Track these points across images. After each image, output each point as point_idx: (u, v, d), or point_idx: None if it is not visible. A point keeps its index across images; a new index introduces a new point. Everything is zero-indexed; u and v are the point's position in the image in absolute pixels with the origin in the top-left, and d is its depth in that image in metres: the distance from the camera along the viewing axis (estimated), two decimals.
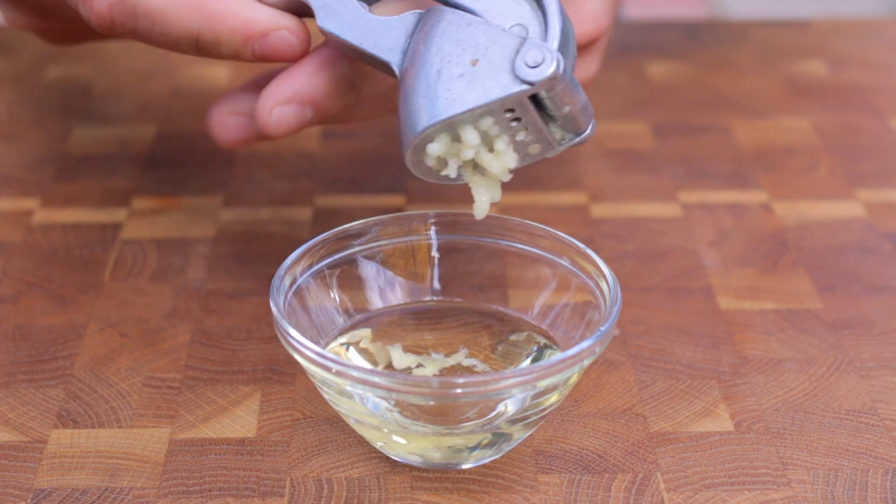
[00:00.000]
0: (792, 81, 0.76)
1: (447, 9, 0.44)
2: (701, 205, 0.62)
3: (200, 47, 0.46)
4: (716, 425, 0.48)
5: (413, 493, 0.44)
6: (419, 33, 0.44)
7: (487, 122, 0.43)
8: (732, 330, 0.53)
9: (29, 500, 0.44)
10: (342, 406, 0.44)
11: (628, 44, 0.80)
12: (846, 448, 0.47)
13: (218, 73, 0.76)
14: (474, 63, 0.42)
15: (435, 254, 0.50)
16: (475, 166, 0.45)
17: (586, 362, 0.43)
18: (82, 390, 0.50)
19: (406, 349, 0.48)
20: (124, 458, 0.46)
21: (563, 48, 0.43)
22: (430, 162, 0.44)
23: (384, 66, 0.45)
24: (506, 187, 0.63)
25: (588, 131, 0.44)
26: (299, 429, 0.48)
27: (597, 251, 0.58)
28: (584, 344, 0.42)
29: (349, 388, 0.42)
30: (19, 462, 0.46)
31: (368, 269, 0.50)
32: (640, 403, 0.49)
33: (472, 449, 0.44)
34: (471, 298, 0.51)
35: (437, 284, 0.51)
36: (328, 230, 0.50)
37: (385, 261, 0.50)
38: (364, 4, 0.46)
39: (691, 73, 0.76)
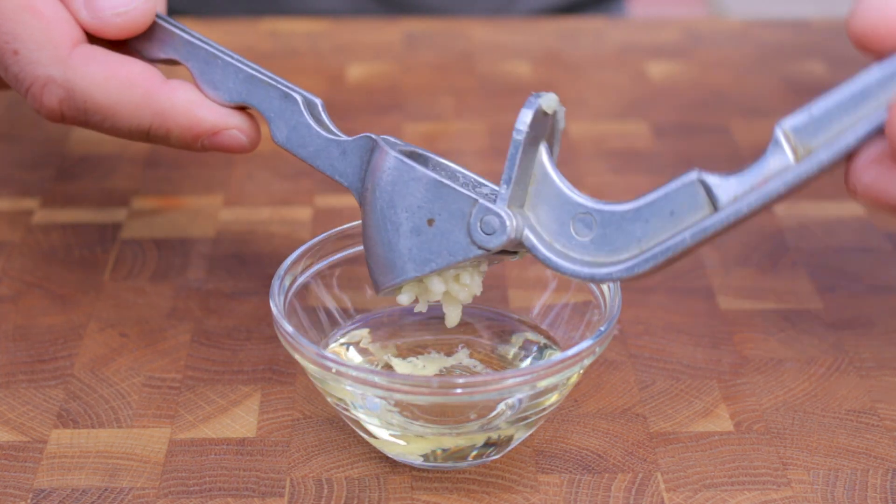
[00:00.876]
0: (792, 81, 0.76)
1: (390, 154, 0.44)
2: None
3: (150, 138, 0.47)
4: (716, 425, 0.48)
5: (413, 493, 0.45)
6: (372, 176, 0.44)
7: (451, 272, 0.45)
8: (732, 330, 0.53)
9: (29, 500, 0.44)
10: (341, 406, 0.44)
11: (628, 44, 0.80)
12: (846, 448, 0.47)
13: None
14: (430, 223, 0.43)
15: None
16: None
17: (586, 362, 0.43)
18: (82, 390, 0.50)
19: (404, 353, 0.48)
20: (124, 458, 0.46)
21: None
22: (401, 299, 0.45)
23: (341, 184, 0.46)
24: None
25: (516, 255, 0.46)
26: (299, 429, 0.48)
27: None
28: (584, 344, 0.42)
29: (349, 388, 0.42)
30: (19, 462, 0.46)
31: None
32: (640, 403, 0.49)
33: (473, 449, 0.44)
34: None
35: None
36: (328, 230, 0.50)
37: None
38: (316, 117, 0.47)
39: (691, 73, 0.76)
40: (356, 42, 0.79)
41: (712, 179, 0.42)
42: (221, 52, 0.47)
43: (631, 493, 0.45)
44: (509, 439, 0.45)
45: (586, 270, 0.42)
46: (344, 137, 0.46)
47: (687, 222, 0.42)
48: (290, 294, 0.47)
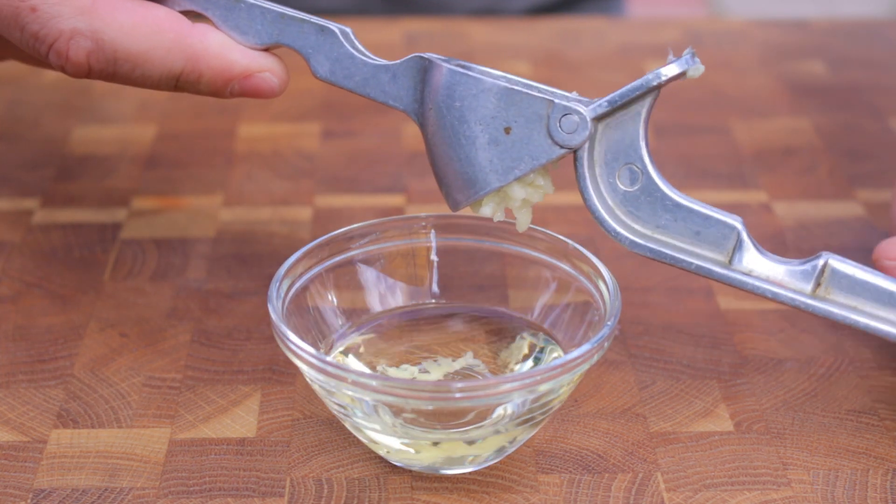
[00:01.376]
0: (792, 81, 0.76)
1: (452, 68, 0.44)
2: None
3: (180, 85, 0.46)
4: (716, 425, 0.48)
5: (413, 494, 0.44)
6: (434, 94, 0.44)
7: (532, 177, 0.45)
8: (732, 330, 0.53)
9: (29, 500, 0.44)
10: (340, 412, 0.44)
11: (628, 44, 0.80)
12: (846, 448, 0.47)
13: None
14: (507, 131, 0.43)
15: (434, 258, 0.50)
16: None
17: (586, 366, 0.43)
18: (82, 390, 0.50)
19: (403, 359, 0.48)
20: (124, 458, 0.46)
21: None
22: (481, 211, 0.45)
23: (395, 108, 0.46)
24: None
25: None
26: (299, 429, 0.48)
27: (597, 251, 0.58)
28: (585, 347, 0.42)
29: (347, 392, 0.42)
30: (19, 462, 0.46)
31: (367, 272, 0.50)
32: (640, 403, 0.49)
33: (472, 454, 0.44)
34: (470, 301, 0.51)
35: (435, 288, 0.50)
36: (328, 230, 0.50)
37: (384, 264, 0.50)
38: (354, 47, 0.46)
39: None
40: None
41: (747, 242, 0.44)
42: None
43: (631, 493, 0.45)
44: (513, 442, 0.45)
45: (601, 211, 0.44)
46: (391, 62, 0.45)
47: (701, 251, 0.44)
48: (289, 297, 0.47)
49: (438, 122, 0.44)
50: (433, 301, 0.51)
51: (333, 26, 0.45)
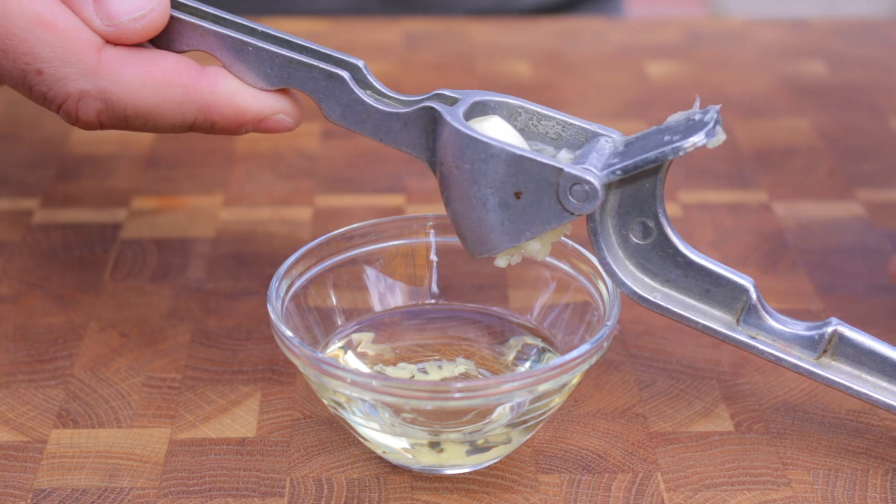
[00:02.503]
0: (792, 81, 0.76)
1: (458, 128, 0.43)
2: (701, 205, 0.62)
3: (195, 129, 0.46)
4: (716, 425, 0.48)
5: (413, 494, 0.44)
6: (444, 151, 0.43)
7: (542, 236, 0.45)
8: None
9: (29, 500, 0.44)
10: (339, 411, 0.44)
11: (628, 44, 0.80)
12: (846, 448, 0.47)
13: None
14: (518, 195, 0.43)
15: (434, 257, 0.50)
16: None
17: (586, 366, 0.43)
18: (82, 390, 0.50)
19: (402, 359, 0.48)
20: (124, 458, 0.46)
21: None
22: (501, 265, 0.45)
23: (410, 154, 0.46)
24: None
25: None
26: (299, 429, 0.48)
27: None
28: (584, 347, 0.42)
29: (346, 392, 0.42)
30: (19, 462, 0.46)
31: (367, 272, 0.50)
32: (640, 403, 0.49)
33: (472, 453, 0.44)
34: (470, 301, 0.51)
35: (435, 288, 0.50)
36: (328, 230, 0.50)
37: (383, 264, 0.50)
38: (367, 86, 0.45)
39: (691, 73, 0.76)
40: (356, 42, 0.79)
41: (757, 304, 0.45)
42: (250, 35, 0.45)
43: (631, 493, 0.45)
44: (509, 444, 0.45)
45: (610, 263, 0.44)
46: (402, 109, 0.44)
47: (710, 310, 0.45)
48: (288, 297, 0.47)
49: (450, 179, 0.44)
50: (433, 301, 0.51)
51: (342, 72, 0.44)
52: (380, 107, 0.44)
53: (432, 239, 0.50)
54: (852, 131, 0.70)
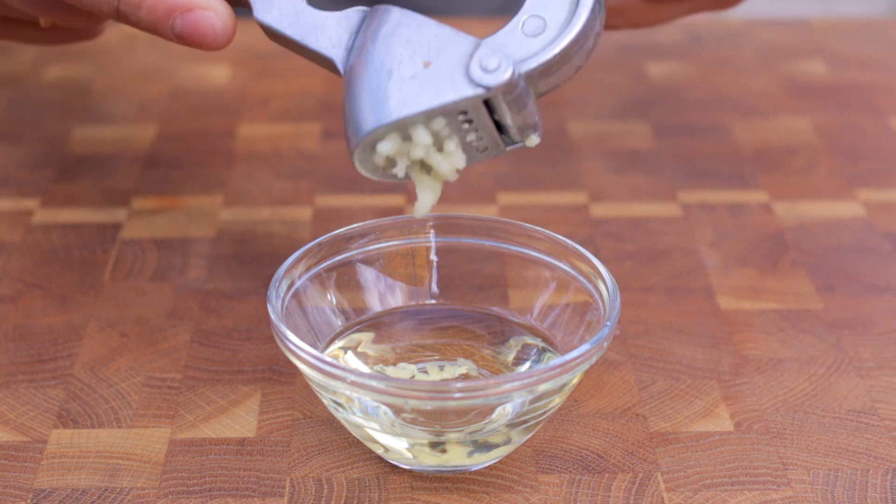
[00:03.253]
0: (792, 81, 0.76)
1: (394, 8, 0.43)
2: (701, 205, 0.62)
3: (121, 12, 0.44)
4: (716, 425, 0.48)
5: (413, 494, 0.44)
6: (366, 31, 0.43)
7: (440, 123, 0.43)
8: (732, 330, 0.53)
9: (29, 500, 0.44)
10: (339, 411, 0.44)
11: (628, 44, 0.80)
12: (846, 448, 0.47)
13: (218, 72, 0.76)
14: (426, 65, 0.42)
15: (434, 258, 0.50)
16: (422, 165, 0.45)
17: (586, 366, 0.43)
18: (82, 390, 0.50)
19: (402, 357, 0.48)
20: (124, 458, 0.46)
21: (550, 68, 0.42)
22: (380, 161, 0.44)
23: (326, 63, 0.44)
24: (506, 187, 0.63)
25: (535, 142, 0.44)
26: (299, 429, 0.48)
27: (596, 251, 0.58)
28: (584, 347, 0.42)
29: (346, 392, 0.42)
30: (19, 462, 0.46)
31: (367, 272, 0.50)
32: (640, 403, 0.49)
33: (471, 454, 0.44)
34: (469, 301, 0.51)
35: (435, 288, 0.50)
36: (328, 230, 0.50)
37: (383, 264, 0.50)
38: None
39: (691, 73, 0.76)
40: None
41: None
42: None
43: (631, 493, 0.45)
44: (509, 443, 0.45)
45: None
46: (335, 12, 0.44)
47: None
48: (288, 297, 0.47)
49: (362, 57, 0.42)
50: (433, 301, 0.51)
51: None
52: (316, 9, 0.44)
53: (432, 239, 0.50)
54: (852, 131, 0.70)
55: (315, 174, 0.65)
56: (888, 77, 0.77)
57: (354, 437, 0.46)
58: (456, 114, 0.42)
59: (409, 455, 0.44)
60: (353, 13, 0.44)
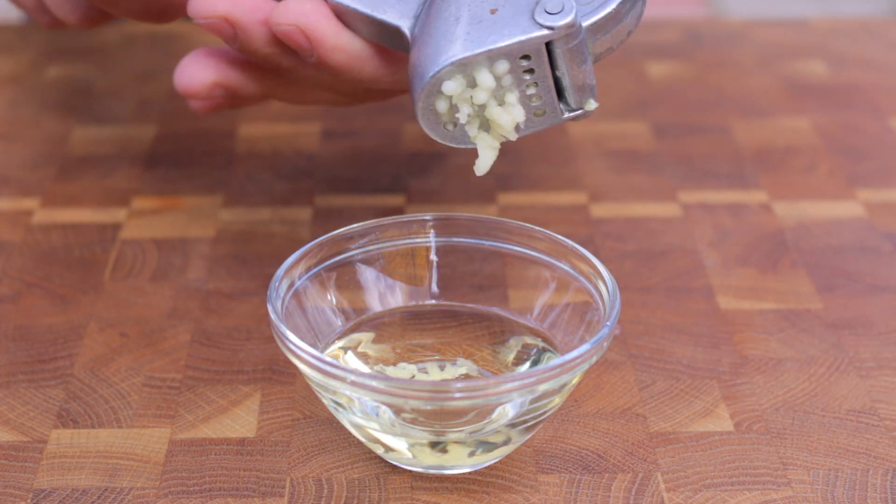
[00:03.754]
0: (792, 81, 0.76)
1: None
2: (701, 205, 0.62)
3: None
4: (716, 425, 0.48)
5: (413, 494, 0.45)
6: None
7: (503, 67, 0.43)
8: (732, 330, 0.53)
9: (29, 500, 0.44)
10: (339, 411, 0.44)
11: (628, 44, 0.80)
12: (846, 448, 0.47)
13: None
14: (493, 12, 0.42)
15: (434, 258, 0.50)
16: (481, 123, 0.45)
17: (585, 366, 0.43)
18: (82, 390, 0.50)
19: (402, 357, 0.48)
20: (124, 458, 0.46)
21: (604, 25, 0.43)
22: (443, 107, 0.44)
23: (393, 36, 0.45)
24: (506, 187, 0.63)
25: (583, 111, 0.45)
26: (299, 429, 0.48)
27: (597, 251, 0.58)
28: (584, 348, 0.42)
29: (346, 392, 0.42)
30: (19, 462, 0.46)
31: (367, 272, 0.50)
32: (640, 403, 0.49)
33: (471, 454, 0.44)
34: (469, 301, 0.51)
35: (435, 287, 0.50)
36: (328, 230, 0.50)
37: (383, 264, 0.50)
38: None
39: (691, 73, 0.76)
40: None
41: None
42: None
43: (631, 493, 0.45)
44: (508, 443, 0.45)
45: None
46: None
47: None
48: (288, 297, 0.47)
49: (432, 11, 0.43)
50: (433, 301, 0.51)
51: None
52: None
53: (432, 239, 0.50)
54: (852, 131, 0.70)
55: (315, 174, 0.65)
56: (888, 77, 0.77)
57: (354, 437, 0.46)
58: (518, 57, 0.43)
59: (410, 455, 0.44)
60: None
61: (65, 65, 0.77)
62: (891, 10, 2.26)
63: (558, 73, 0.44)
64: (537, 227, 0.49)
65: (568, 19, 0.42)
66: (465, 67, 0.43)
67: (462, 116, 0.44)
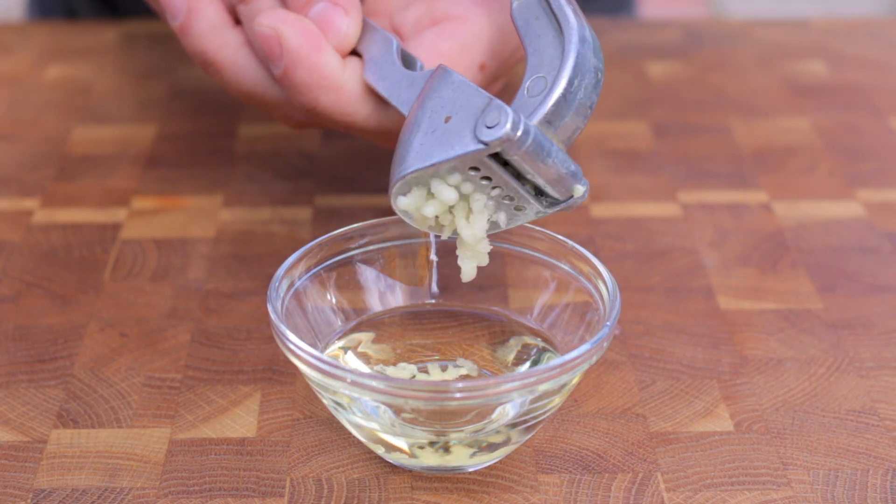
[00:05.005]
0: (792, 81, 0.76)
1: (447, 69, 0.44)
2: (701, 205, 0.62)
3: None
4: (716, 425, 0.48)
5: (413, 494, 0.44)
6: (431, 89, 0.45)
7: (455, 179, 0.43)
8: (732, 330, 0.53)
9: (29, 500, 0.44)
10: (339, 411, 0.44)
11: (628, 44, 0.80)
12: (846, 448, 0.47)
13: None
14: (447, 120, 0.43)
15: (434, 257, 0.50)
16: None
17: (585, 366, 0.43)
18: (82, 390, 0.50)
19: (402, 357, 0.48)
20: (124, 458, 0.46)
21: (557, 111, 0.42)
22: (401, 213, 0.45)
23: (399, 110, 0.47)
24: None
25: (572, 198, 0.44)
26: (299, 429, 0.48)
27: (597, 251, 0.58)
28: (584, 348, 0.42)
29: (346, 392, 0.42)
30: (19, 462, 0.46)
31: (367, 272, 0.50)
32: (640, 403, 0.49)
33: (472, 454, 0.44)
34: (469, 301, 0.51)
35: (435, 288, 0.50)
36: (328, 230, 0.50)
37: (384, 264, 0.50)
38: (400, 59, 0.48)
39: (691, 73, 0.76)
40: None
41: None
42: None
43: (631, 493, 0.45)
44: (508, 443, 0.45)
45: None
46: (416, 73, 0.47)
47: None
48: (288, 297, 0.47)
49: (409, 112, 0.44)
50: (433, 301, 0.51)
51: (393, 38, 0.48)
52: (404, 69, 0.47)
53: (432, 239, 0.50)
54: (852, 131, 0.70)
55: (315, 174, 0.65)
56: (888, 77, 0.77)
57: (354, 437, 0.46)
58: (466, 169, 0.43)
59: (410, 455, 0.44)
60: (425, 76, 0.46)
61: (65, 65, 0.77)
62: (891, 10, 2.26)
63: (527, 175, 0.43)
64: (537, 227, 0.49)
65: (501, 133, 0.41)
66: (418, 180, 0.43)
67: (444, 233, 0.45)
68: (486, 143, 0.41)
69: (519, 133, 0.41)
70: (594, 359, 0.43)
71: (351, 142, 0.68)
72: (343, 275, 0.49)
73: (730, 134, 0.69)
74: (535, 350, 0.48)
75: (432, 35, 0.49)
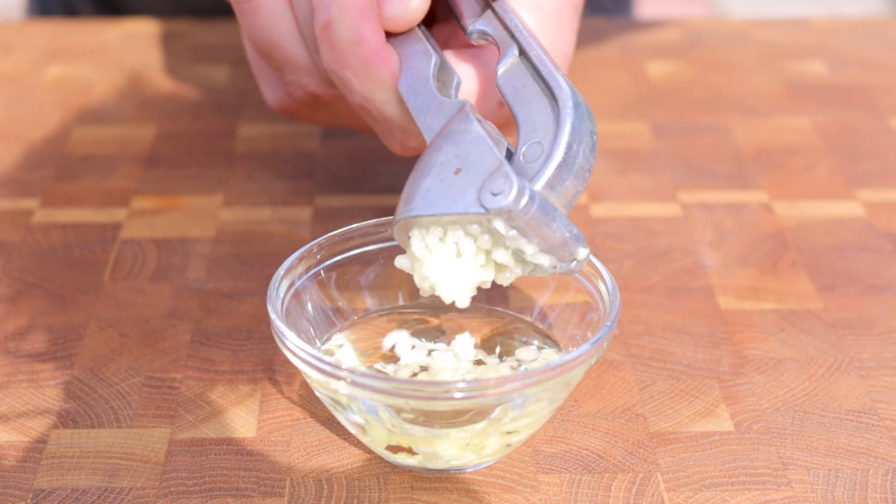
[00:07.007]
0: (792, 81, 0.76)
1: (470, 115, 0.44)
2: (701, 205, 0.62)
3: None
4: (716, 425, 0.48)
5: (413, 493, 0.45)
6: (442, 128, 0.44)
7: (458, 234, 0.43)
8: (732, 330, 0.53)
9: (29, 500, 0.44)
10: (339, 411, 0.44)
11: (628, 44, 0.80)
12: (846, 448, 0.47)
13: (218, 72, 0.76)
14: (457, 172, 0.42)
15: None
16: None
17: (585, 366, 0.43)
18: (82, 390, 0.50)
19: (402, 358, 0.48)
20: (124, 458, 0.46)
21: (559, 176, 0.42)
22: (405, 246, 0.45)
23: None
24: None
25: (583, 255, 0.44)
26: (299, 429, 0.48)
27: (597, 251, 0.58)
28: (584, 348, 0.42)
29: (346, 392, 0.42)
30: (19, 462, 0.46)
31: (367, 272, 0.50)
32: (640, 403, 0.49)
33: (472, 454, 0.44)
34: (470, 301, 0.50)
35: None
36: (328, 230, 0.50)
37: (383, 264, 0.50)
38: (435, 80, 0.47)
39: (691, 73, 0.76)
40: None
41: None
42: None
43: (631, 493, 0.45)
44: (508, 443, 0.45)
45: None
46: (445, 100, 0.46)
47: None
48: (288, 297, 0.47)
49: (425, 150, 0.44)
50: (433, 301, 0.50)
51: (435, 55, 0.47)
52: (436, 91, 0.46)
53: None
54: (852, 131, 0.70)
55: (315, 174, 0.65)
56: (888, 77, 0.77)
57: (354, 437, 0.46)
58: (469, 226, 0.43)
59: (409, 455, 0.44)
60: (458, 104, 0.45)
61: (65, 65, 0.77)
62: (891, 10, 2.26)
63: (532, 241, 0.43)
64: None
65: (503, 204, 0.41)
66: (420, 223, 0.43)
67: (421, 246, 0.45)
68: (487, 210, 0.41)
69: (523, 202, 0.41)
70: (594, 359, 0.43)
71: (351, 142, 0.68)
72: (343, 275, 0.49)
73: (730, 134, 0.69)
74: (535, 350, 0.48)
75: None
